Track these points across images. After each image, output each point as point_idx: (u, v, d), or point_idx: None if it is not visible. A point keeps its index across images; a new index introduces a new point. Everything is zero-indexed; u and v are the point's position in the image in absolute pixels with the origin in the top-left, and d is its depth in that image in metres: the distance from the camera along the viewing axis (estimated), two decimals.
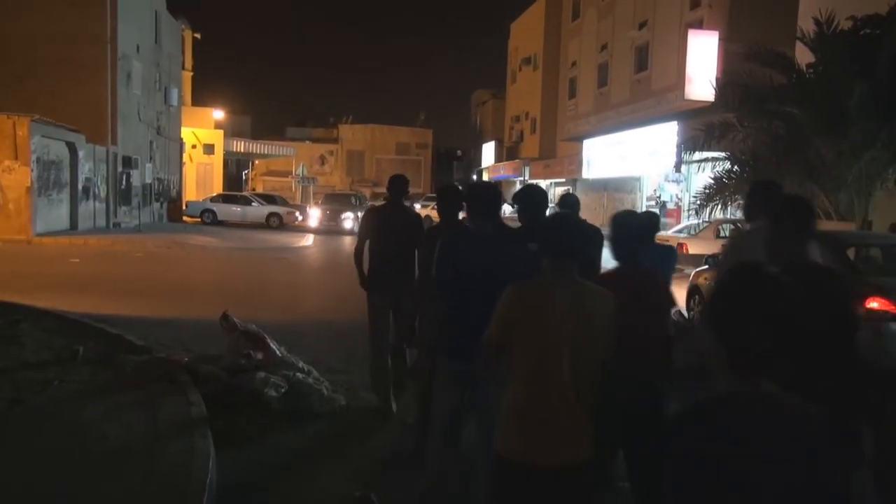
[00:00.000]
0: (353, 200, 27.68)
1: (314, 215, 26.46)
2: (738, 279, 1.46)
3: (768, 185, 3.46)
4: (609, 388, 2.37)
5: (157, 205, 27.07)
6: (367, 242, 5.09)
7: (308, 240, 21.95)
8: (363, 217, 5.43)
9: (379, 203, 6.28)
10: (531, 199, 3.64)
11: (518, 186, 37.75)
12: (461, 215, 3.88)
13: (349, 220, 25.64)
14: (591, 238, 3.23)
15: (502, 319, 2.31)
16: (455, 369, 3.05)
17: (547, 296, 2.28)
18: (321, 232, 24.63)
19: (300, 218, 27.37)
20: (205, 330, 6.99)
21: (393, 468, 4.22)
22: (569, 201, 4.87)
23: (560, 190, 33.23)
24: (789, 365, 1.44)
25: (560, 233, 2.37)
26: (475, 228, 3.29)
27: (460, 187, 4.20)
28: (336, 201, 27.62)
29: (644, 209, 25.39)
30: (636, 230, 3.08)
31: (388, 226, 4.99)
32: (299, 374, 5.27)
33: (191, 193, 31.69)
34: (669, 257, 4.14)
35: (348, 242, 21.36)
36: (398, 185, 5.09)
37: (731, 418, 1.35)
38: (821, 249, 2.95)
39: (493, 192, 3.35)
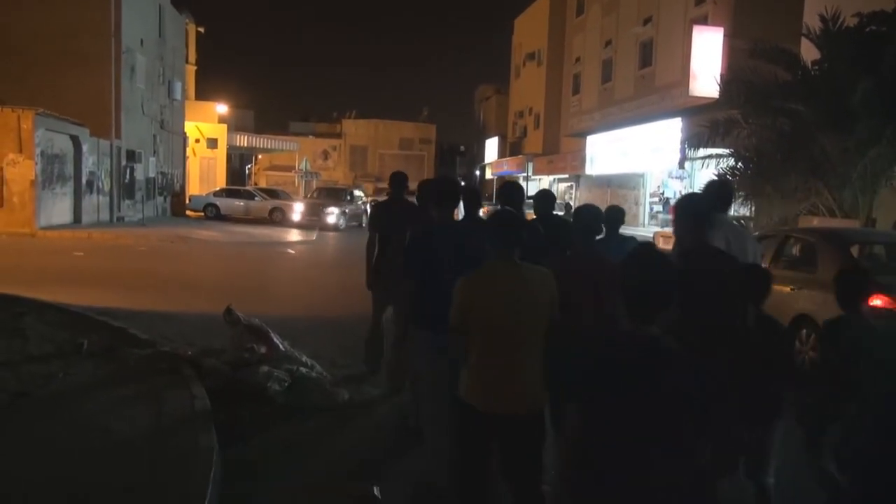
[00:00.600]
0: (345, 196, 27.00)
1: (297, 209, 25.55)
2: (633, 256, 2.12)
3: (723, 183, 3.98)
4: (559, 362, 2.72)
5: (160, 199, 27.09)
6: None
7: (312, 234, 21.97)
8: (372, 210, 6.08)
9: (382, 198, 6.78)
10: (510, 195, 4.36)
11: (521, 182, 37.22)
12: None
13: (333, 215, 24.57)
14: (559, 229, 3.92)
15: (458, 307, 2.75)
16: (429, 341, 3.45)
17: (492, 280, 2.74)
18: (303, 227, 23.94)
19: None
20: (208, 324, 7.00)
21: (395, 452, 4.24)
22: (543, 197, 5.14)
23: (563, 185, 33.21)
24: (671, 316, 2.06)
25: (501, 227, 2.79)
26: (439, 219, 3.76)
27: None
28: (325, 195, 26.89)
29: (647, 206, 25.37)
30: (593, 221, 3.71)
31: (391, 218, 5.48)
32: (302, 369, 5.28)
33: (194, 188, 31.70)
34: (629, 246, 4.44)
35: (332, 238, 21.37)
36: (399, 181, 5.66)
37: (622, 348, 1.99)
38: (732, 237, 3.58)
39: (451, 187, 3.87)
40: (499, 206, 4.11)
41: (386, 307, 5.61)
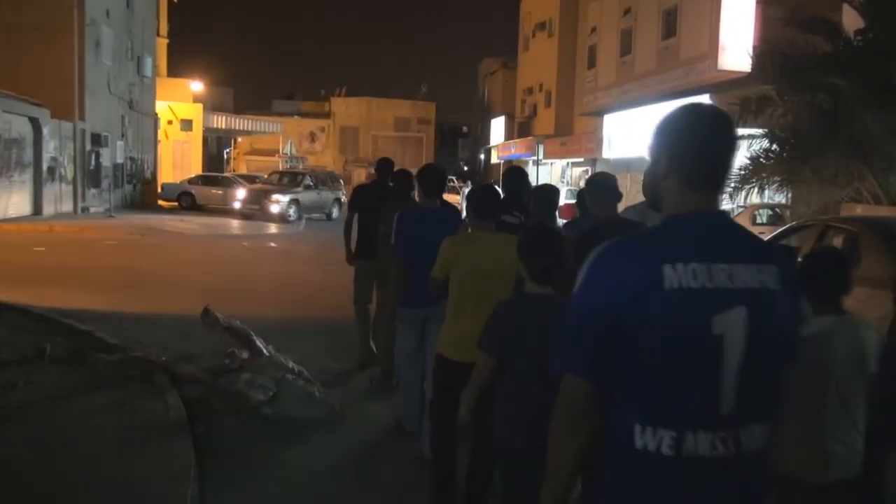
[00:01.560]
0: (307, 180, 25.13)
1: (239, 196, 24.29)
2: (529, 231, 3.02)
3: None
4: None
5: (129, 187, 27.12)
6: (357, 216, 6.58)
7: (300, 226, 21.99)
8: (352, 194, 7.14)
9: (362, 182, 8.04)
10: (515, 180, 5.27)
11: (531, 166, 36.96)
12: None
13: (278, 204, 22.92)
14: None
15: (442, 260, 3.64)
16: (412, 314, 4.41)
17: (470, 243, 3.69)
18: (242, 217, 23.13)
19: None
20: (184, 326, 7.02)
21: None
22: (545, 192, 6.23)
23: (577, 170, 33.18)
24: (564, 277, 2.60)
25: (481, 200, 3.71)
26: (425, 203, 4.72)
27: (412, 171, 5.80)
28: (279, 181, 25.60)
29: None
30: (550, 199, 4.69)
31: (372, 202, 6.30)
32: (289, 376, 5.30)
33: (166, 175, 31.72)
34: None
35: (320, 230, 21.37)
36: (385, 167, 6.69)
37: (526, 303, 2.87)
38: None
39: (438, 174, 4.77)
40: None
41: (369, 279, 6.33)
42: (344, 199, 25.42)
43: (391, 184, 6.03)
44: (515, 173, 5.39)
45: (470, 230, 3.80)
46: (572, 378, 1.57)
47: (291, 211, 23.41)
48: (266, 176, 29.18)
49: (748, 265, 1.55)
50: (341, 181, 28.17)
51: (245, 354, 5.41)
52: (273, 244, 17.58)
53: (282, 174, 27.72)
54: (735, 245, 1.59)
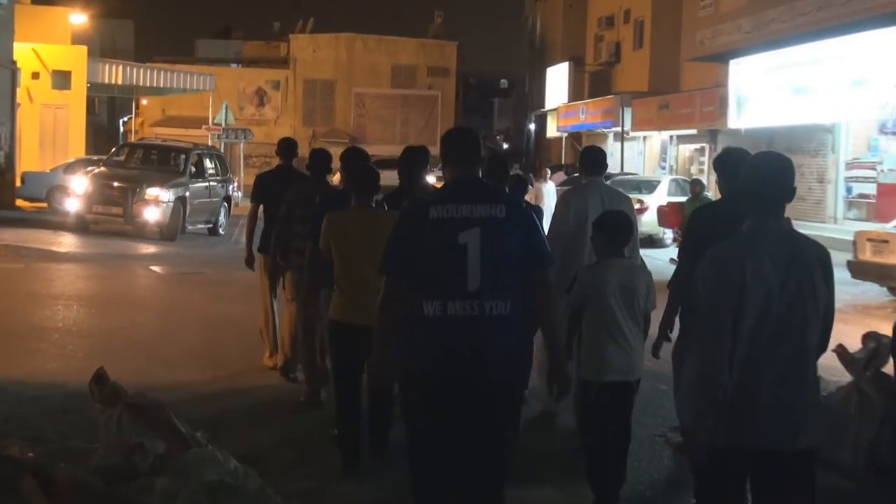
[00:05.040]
0: (183, 164, 22.84)
1: (76, 189, 22.04)
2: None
3: (592, 150, 8.30)
4: None
5: None
6: (262, 207, 9.18)
7: (236, 242, 22.11)
8: (254, 183, 9.58)
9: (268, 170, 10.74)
10: (413, 165, 7.28)
11: (612, 142, 36.82)
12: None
13: (158, 207, 20.82)
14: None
15: (323, 235, 6.26)
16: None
17: (349, 219, 6.31)
18: (84, 231, 21.52)
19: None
20: (64, 402, 7.10)
21: None
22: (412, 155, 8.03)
23: (687, 149, 33.02)
24: None
25: (358, 181, 6.42)
26: (347, 187, 7.14)
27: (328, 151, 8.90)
28: (126, 160, 23.67)
29: (841, 185, 24.99)
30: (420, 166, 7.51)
31: (278, 189, 8.62)
32: (228, 480, 5.34)
33: (30, 159, 31.81)
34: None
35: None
36: (288, 149, 9.33)
37: None
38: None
39: (358, 157, 7.34)
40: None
41: (276, 272, 8.76)
42: (240, 196, 26.19)
43: (309, 167, 8.46)
44: (415, 153, 7.46)
45: (351, 207, 6.37)
46: (387, 278, 4.47)
47: (178, 217, 21.60)
48: (112, 156, 25.97)
49: (483, 204, 4.41)
50: (228, 166, 26.74)
51: (160, 447, 5.44)
52: (199, 270, 17.65)
53: (131, 148, 25.83)
54: (478, 194, 4.53)
